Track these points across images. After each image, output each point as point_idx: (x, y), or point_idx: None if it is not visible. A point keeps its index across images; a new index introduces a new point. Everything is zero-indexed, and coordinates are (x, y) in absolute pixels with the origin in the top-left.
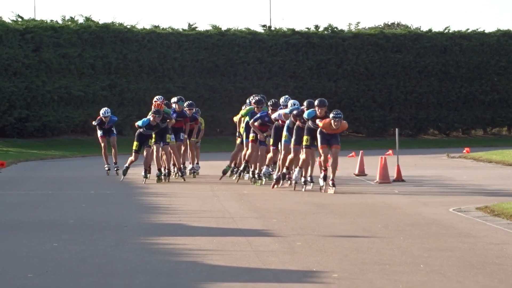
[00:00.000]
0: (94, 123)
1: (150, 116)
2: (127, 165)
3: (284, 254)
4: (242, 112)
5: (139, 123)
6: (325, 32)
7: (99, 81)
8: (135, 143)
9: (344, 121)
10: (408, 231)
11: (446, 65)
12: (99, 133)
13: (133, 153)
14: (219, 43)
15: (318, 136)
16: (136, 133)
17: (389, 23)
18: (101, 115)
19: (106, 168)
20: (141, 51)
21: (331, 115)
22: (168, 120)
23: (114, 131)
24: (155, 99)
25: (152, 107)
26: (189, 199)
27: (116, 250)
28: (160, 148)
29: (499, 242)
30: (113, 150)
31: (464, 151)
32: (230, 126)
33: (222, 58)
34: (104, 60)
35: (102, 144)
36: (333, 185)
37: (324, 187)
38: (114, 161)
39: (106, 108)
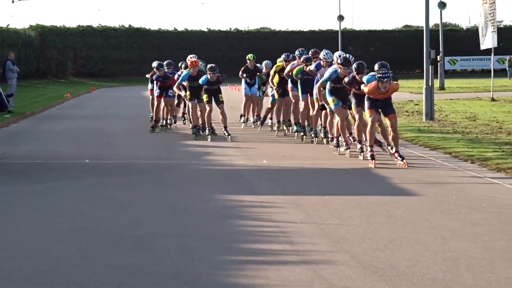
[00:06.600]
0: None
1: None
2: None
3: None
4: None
5: (200, 82)
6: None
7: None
8: (204, 95)
9: (395, 82)
10: None
11: None
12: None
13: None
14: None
15: (366, 102)
16: (203, 89)
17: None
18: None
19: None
20: (185, 42)
21: (377, 75)
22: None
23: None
24: (189, 57)
25: (188, 63)
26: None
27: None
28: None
29: None
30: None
31: None
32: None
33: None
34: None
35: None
36: (401, 157)
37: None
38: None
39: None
